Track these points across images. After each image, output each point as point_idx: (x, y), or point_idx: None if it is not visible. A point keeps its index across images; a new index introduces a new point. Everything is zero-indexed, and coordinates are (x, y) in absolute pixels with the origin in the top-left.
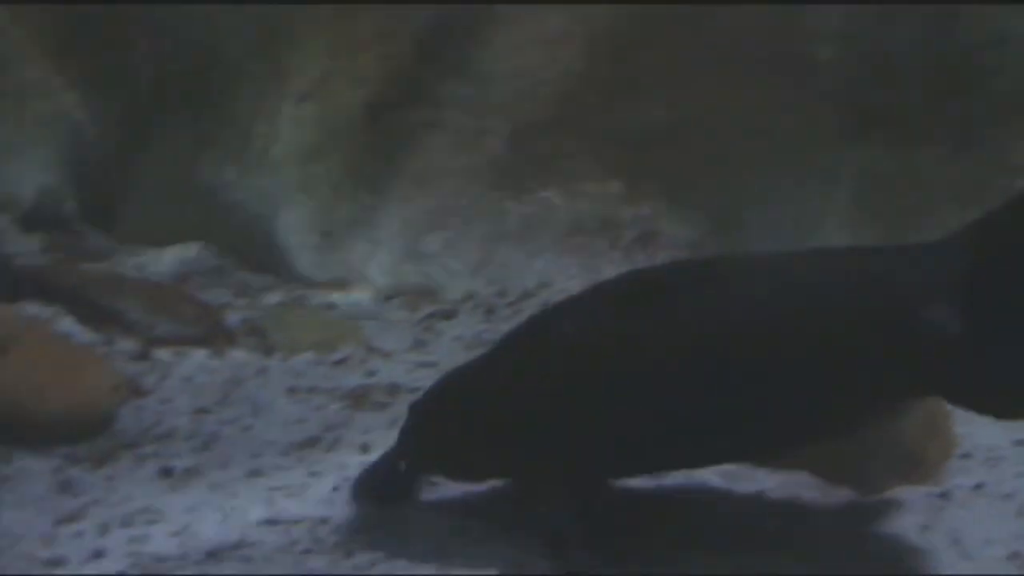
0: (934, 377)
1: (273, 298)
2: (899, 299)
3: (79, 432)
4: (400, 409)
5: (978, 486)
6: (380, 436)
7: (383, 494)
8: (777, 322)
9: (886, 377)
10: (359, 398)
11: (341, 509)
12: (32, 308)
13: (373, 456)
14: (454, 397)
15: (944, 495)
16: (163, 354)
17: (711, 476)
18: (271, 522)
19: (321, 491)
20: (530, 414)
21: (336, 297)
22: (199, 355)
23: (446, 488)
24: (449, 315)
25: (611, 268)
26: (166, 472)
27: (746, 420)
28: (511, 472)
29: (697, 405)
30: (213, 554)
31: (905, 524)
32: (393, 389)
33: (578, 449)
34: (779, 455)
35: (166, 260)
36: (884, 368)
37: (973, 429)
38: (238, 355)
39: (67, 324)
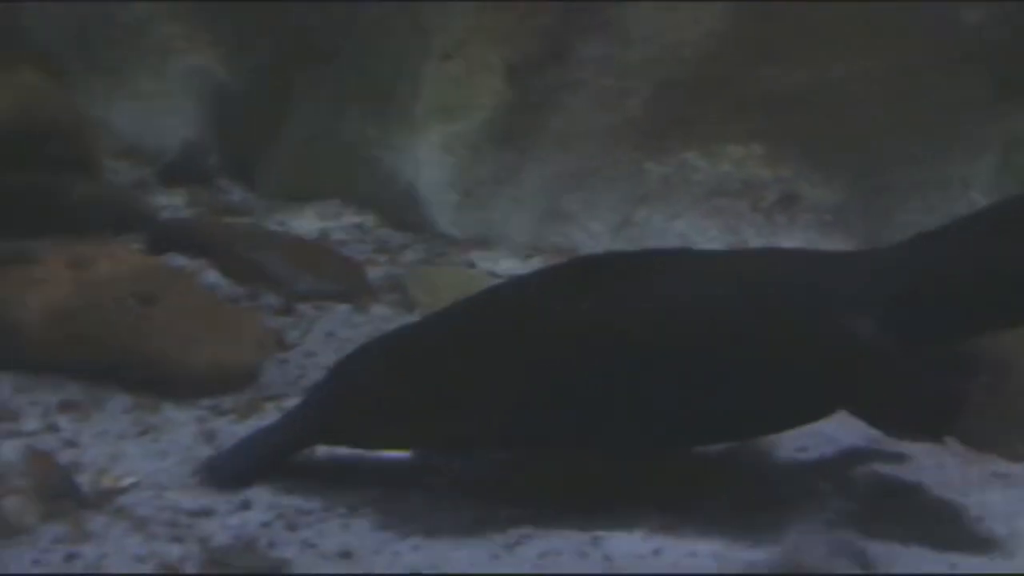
0: (848, 385)
1: (414, 255)
2: (823, 304)
3: (224, 384)
4: None
5: None
6: None
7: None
8: (699, 317)
9: (802, 380)
10: None
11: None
12: (178, 261)
13: None
14: (386, 361)
15: None
16: (306, 309)
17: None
18: None
19: None
20: (460, 382)
21: (476, 255)
22: (342, 310)
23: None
24: None
25: (751, 231)
26: None
27: (657, 409)
28: (434, 441)
29: (615, 389)
30: (353, 508)
31: None
32: None
33: (502, 422)
34: (691, 446)
35: (307, 216)
36: (800, 370)
37: None
38: (380, 311)
39: (212, 277)
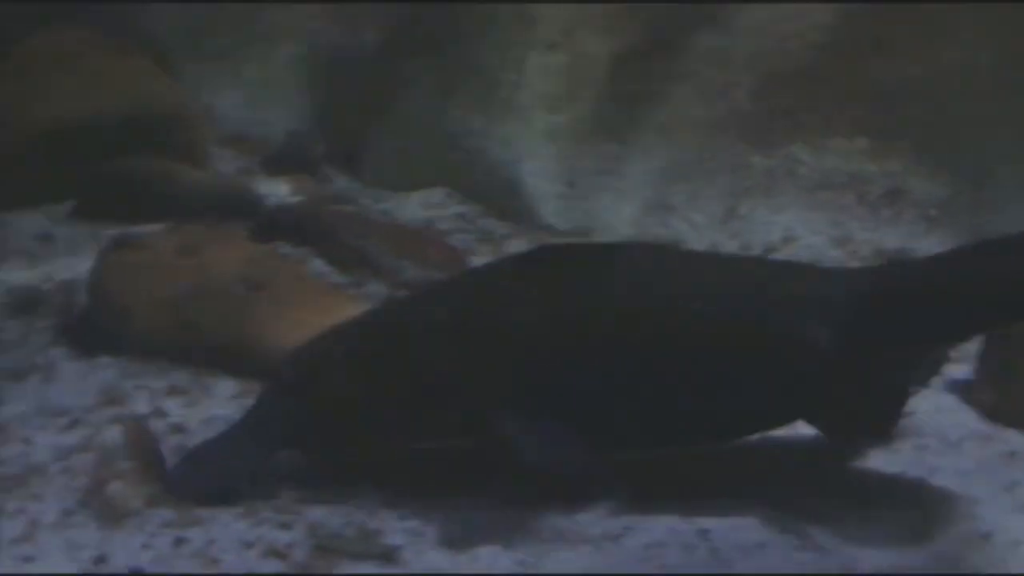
0: (798, 394)
1: (516, 245)
2: (781, 312)
3: None
4: None
5: None
6: None
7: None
8: (650, 315)
9: (753, 385)
10: None
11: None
12: (284, 248)
13: None
14: (348, 359)
15: None
16: None
17: None
18: None
19: None
20: (423, 375)
21: None
22: None
23: None
24: None
25: (856, 224)
26: None
27: (605, 407)
28: (406, 437)
29: (564, 385)
30: (453, 499)
31: None
32: None
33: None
34: (646, 447)
35: (411, 205)
36: (750, 376)
37: None
38: None
39: (317, 265)
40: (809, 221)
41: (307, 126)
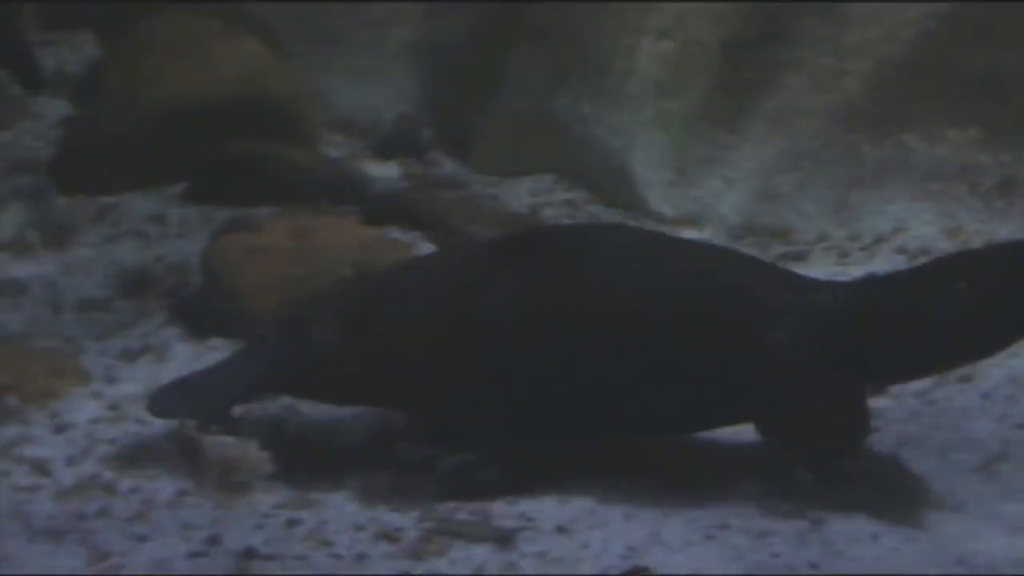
0: (755, 395)
1: None
2: (747, 310)
3: None
4: None
5: None
6: None
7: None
8: (618, 302)
9: (709, 380)
10: None
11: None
12: (393, 233)
13: None
14: (335, 319)
15: None
16: None
17: None
18: None
19: None
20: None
21: (688, 234)
22: None
23: None
24: (800, 256)
25: (968, 215)
26: None
27: (569, 393)
28: (387, 400)
29: (535, 363)
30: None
31: None
32: None
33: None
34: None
35: (519, 191)
36: (707, 369)
37: None
38: None
39: (426, 250)
40: (920, 211)
41: (416, 111)
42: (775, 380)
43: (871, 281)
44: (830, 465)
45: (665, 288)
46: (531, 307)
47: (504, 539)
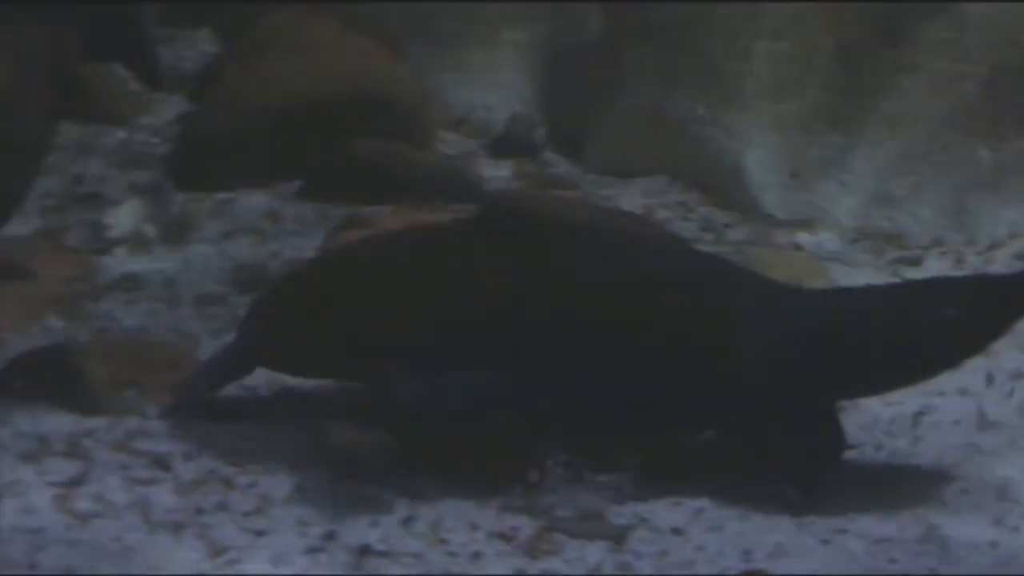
0: (719, 405)
1: (738, 235)
2: (724, 318)
3: None
4: None
5: None
6: None
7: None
8: (591, 289)
9: (674, 383)
10: None
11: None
12: None
13: None
14: (298, 290)
15: None
16: None
17: None
18: None
19: None
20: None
21: (802, 237)
22: None
23: None
24: (915, 261)
25: None
26: None
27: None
28: (347, 371)
29: (495, 338)
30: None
31: None
32: None
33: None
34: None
35: (632, 192)
36: (674, 373)
37: None
38: None
39: None
40: None
41: (530, 110)
42: (743, 388)
43: (845, 292)
44: (809, 478)
45: (638, 287)
46: (496, 283)
47: (618, 536)
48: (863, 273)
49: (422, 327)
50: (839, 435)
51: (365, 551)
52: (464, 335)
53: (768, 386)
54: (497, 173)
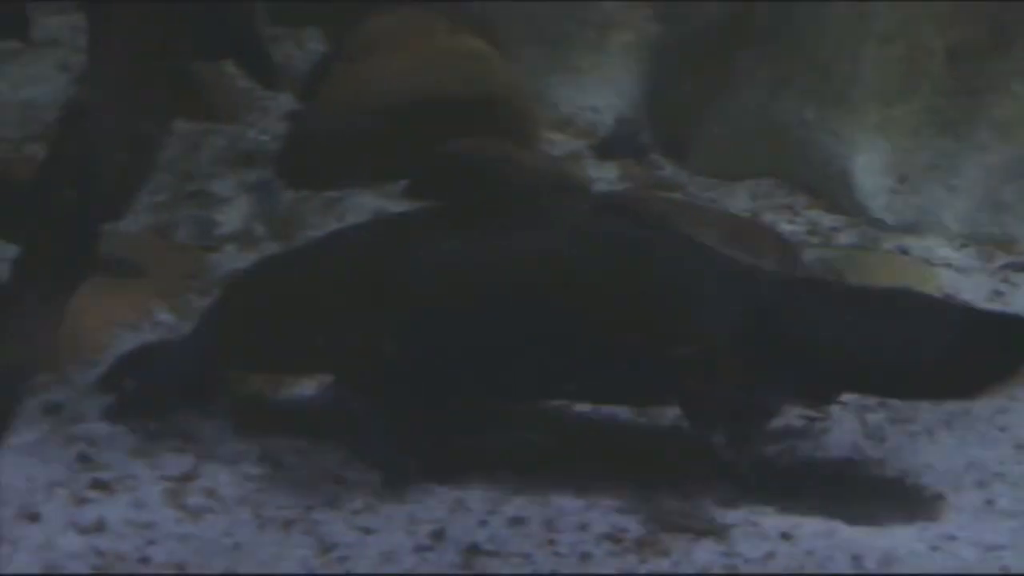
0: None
1: (846, 239)
2: (682, 294)
3: None
4: None
5: None
6: None
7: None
8: (549, 268)
9: (635, 352)
10: None
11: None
12: None
13: None
14: (277, 280)
15: None
16: None
17: None
18: None
19: None
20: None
21: (910, 242)
22: None
23: None
24: None
25: None
26: None
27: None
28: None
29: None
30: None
31: None
32: None
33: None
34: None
35: (739, 195)
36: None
37: None
38: None
39: None
40: None
41: (636, 112)
42: (694, 360)
43: (810, 282)
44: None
45: (592, 260)
46: (456, 271)
47: (722, 532)
48: (974, 279)
49: (390, 315)
50: (762, 411)
51: (473, 550)
52: (438, 317)
53: (717, 360)
54: (603, 175)
